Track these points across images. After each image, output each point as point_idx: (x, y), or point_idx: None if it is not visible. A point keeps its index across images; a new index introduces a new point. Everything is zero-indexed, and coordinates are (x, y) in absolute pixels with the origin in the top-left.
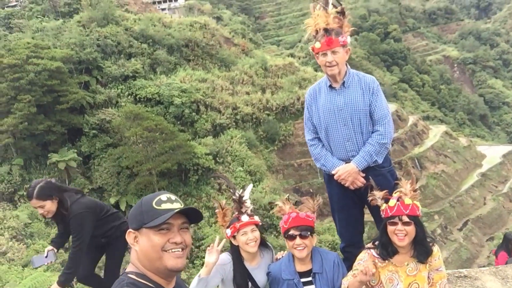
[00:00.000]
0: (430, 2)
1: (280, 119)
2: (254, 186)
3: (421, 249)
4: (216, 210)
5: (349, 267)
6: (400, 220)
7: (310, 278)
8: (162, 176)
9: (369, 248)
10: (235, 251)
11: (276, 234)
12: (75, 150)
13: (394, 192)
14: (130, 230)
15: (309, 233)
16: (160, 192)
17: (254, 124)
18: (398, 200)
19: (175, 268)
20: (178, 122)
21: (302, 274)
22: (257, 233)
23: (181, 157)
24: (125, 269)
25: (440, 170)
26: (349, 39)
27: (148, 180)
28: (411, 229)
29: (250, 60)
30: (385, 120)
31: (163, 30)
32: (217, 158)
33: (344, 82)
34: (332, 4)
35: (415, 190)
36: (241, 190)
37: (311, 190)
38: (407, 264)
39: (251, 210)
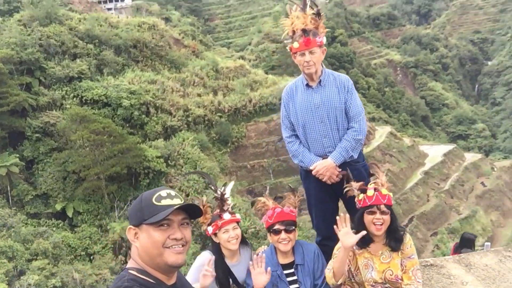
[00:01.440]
0: (374, 8)
1: (232, 121)
2: (207, 189)
3: (394, 237)
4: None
5: (327, 260)
6: (378, 209)
7: (292, 270)
8: (111, 181)
9: None
10: (216, 249)
11: None
12: (17, 155)
13: (370, 183)
14: (130, 226)
15: (293, 227)
16: (160, 188)
17: (206, 126)
18: (376, 191)
19: (175, 264)
20: (127, 125)
21: (285, 266)
22: (238, 231)
23: (131, 160)
24: (126, 265)
25: (386, 169)
26: (324, 40)
27: (97, 184)
28: (388, 218)
29: (201, 62)
30: (360, 117)
31: (109, 30)
32: (169, 161)
33: (320, 81)
34: (309, 6)
35: (387, 182)
36: (223, 188)
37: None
38: (381, 253)
39: (231, 208)
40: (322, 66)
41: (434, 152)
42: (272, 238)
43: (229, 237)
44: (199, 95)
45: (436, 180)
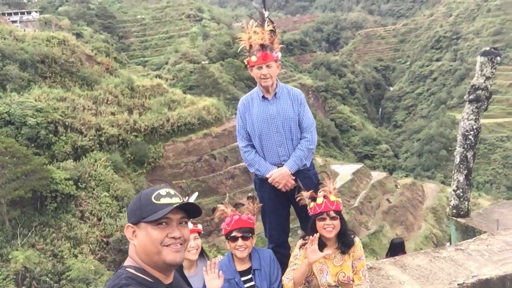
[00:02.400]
0: (287, 34)
1: (149, 141)
2: (121, 212)
3: (344, 241)
4: None
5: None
6: (328, 215)
7: (250, 276)
8: (13, 205)
9: (303, 244)
10: None
11: None
12: None
13: (319, 191)
14: (128, 224)
15: (250, 234)
16: (159, 186)
17: (120, 146)
18: (324, 198)
19: (173, 262)
20: (33, 145)
21: (242, 273)
22: (199, 241)
23: (36, 183)
24: (123, 263)
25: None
26: (280, 55)
27: None
28: (337, 223)
29: (115, 80)
30: (312, 128)
31: (14, 44)
32: (79, 183)
33: (275, 93)
34: (267, 22)
35: (334, 189)
36: (187, 198)
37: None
38: (334, 257)
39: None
40: (277, 80)
41: (344, 170)
42: (229, 245)
43: (189, 247)
44: (113, 113)
45: (347, 197)
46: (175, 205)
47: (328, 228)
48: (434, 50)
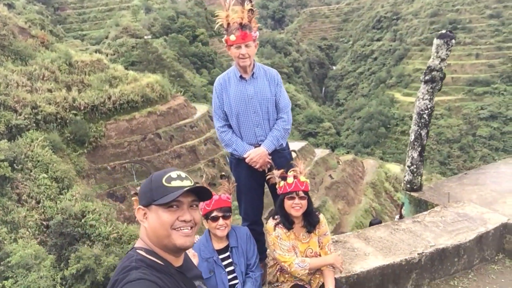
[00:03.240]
0: None
1: (89, 120)
2: (61, 194)
3: (311, 219)
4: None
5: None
6: (297, 195)
7: (227, 254)
8: None
9: (277, 223)
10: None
11: (90, 244)
12: None
13: (289, 171)
14: (139, 206)
15: (229, 213)
16: (170, 169)
17: (59, 125)
18: (295, 178)
19: (183, 246)
20: None
21: (220, 251)
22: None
23: None
24: (134, 245)
25: None
26: (258, 34)
27: None
28: (305, 202)
29: (51, 54)
30: (288, 108)
31: None
32: (15, 165)
33: (253, 73)
34: (246, 1)
35: (305, 170)
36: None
37: (127, 194)
38: (302, 234)
39: None
40: (253, 60)
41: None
42: (209, 225)
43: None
44: (50, 90)
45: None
46: (186, 188)
47: (296, 207)
48: (375, 30)
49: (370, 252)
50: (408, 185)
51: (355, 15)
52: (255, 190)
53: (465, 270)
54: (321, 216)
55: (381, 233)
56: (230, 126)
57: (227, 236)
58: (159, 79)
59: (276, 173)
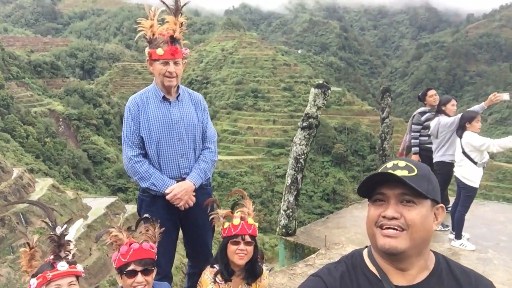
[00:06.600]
0: (35, 54)
1: None
2: None
3: (252, 271)
4: (22, 249)
5: None
6: (243, 239)
7: None
8: None
9: (215, 274)
10: None
11: None
12: None
13: (236, 211)
14: None
15: (152, 267)
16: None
17: None
18: (242, 220)
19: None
20: None
21: None
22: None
23: None
24: None
25: (40, 227)
26: (188, 52)
27: None
28: (251, 249)
29: None
30: (215, 138)
31: None
32: None
33: (178, 95)
34: (180, 12)
35: (254, 211)
36: (64, 226)
37: None
38: (240, 287)
39: (73, 256)
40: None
41: (97, 204)
42: (124, 282)
43: None
44: None
45: (98, 232)
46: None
47: (241, 253)
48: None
49: None
50: (284, 230)
51: None
52: (170, 234)
53: None
54: (264, 268)
55: (280, 279)
56: (145, 155)
57: None
58: None
59: (221, 212)
